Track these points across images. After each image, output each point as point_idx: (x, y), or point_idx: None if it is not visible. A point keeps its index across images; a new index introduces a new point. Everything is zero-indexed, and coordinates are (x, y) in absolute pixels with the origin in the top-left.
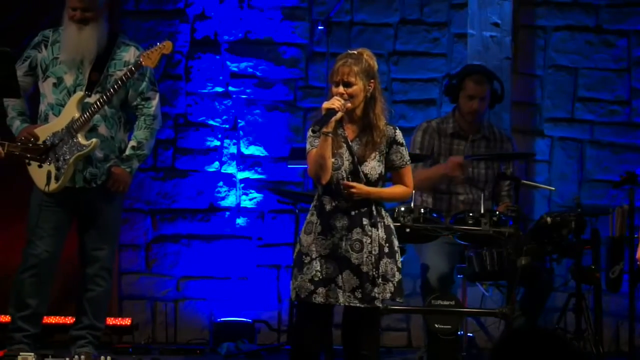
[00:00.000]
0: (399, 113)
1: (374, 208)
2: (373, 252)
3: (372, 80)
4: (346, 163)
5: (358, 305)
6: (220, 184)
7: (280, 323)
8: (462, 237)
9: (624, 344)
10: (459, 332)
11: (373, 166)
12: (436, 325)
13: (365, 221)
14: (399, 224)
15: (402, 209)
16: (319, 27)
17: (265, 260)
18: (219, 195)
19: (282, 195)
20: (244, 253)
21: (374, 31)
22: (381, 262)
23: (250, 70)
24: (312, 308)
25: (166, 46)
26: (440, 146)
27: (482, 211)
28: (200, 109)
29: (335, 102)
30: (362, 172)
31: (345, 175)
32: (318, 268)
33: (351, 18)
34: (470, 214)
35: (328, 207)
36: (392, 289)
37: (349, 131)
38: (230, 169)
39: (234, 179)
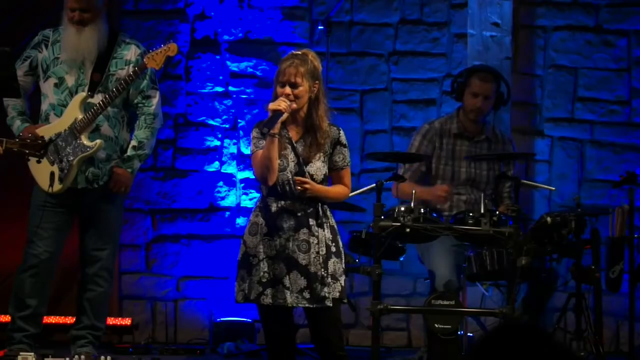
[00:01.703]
0: (399, 113)
1: (320, 208)
2: (320, 252)
3: (316, 82)
4: (291, 164)
5: (307, 305)
6: (220, 183)
7: None
8: (462, 237)
9: (624, 344)
10: (459, 332)
11: (318, 167)
12: (436, 325)
13: (311, 222)
14: (398, 223)
15: (402, 209)
16: (319, 27)
17: None
18: (219, 195)
19: None
20: None
21: (373, 31)
22: (329, 261)
23: (250, 70)
24: (268, 309)
25: (171, 48)
26: (443, 146)
27: (482, 211)
28: (200, 109)
29: (281, 103)
30: (308, 172)
31: (290, 177)
32: (266, 269)
33: (351, 18)
34: (470, 214)
35: (274, 208)
36: (340, 288)
37: (293, 132)
38: (230, 168)
39: (234, 178)
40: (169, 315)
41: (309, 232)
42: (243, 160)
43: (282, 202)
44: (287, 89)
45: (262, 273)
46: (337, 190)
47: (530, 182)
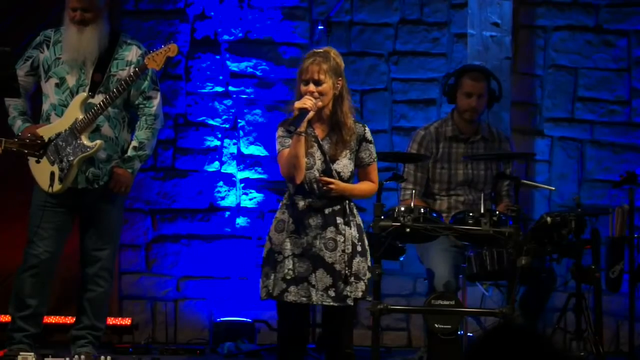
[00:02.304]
0: (399, 113)
1: (347, 207)
2: (346, 250)
3: (339, 79)
4: (318, 162)
5: (332, 304)
6: (220, 183)
7: None
8: (462, 237)
9: (624, 344)
10: (459, 332)
11: (345, 164)
12: (436, 325)
13: (339, 220)
14: (398, 223)
15: (402, 209)
16: (319, 27)
17: None
18: (219, 195)
19: (282, 195)
20: (244, 253)
21: (374, 31)
22: (354, 260)
23: (250, 70)
24: (288, 306)
25: (171, 49)
26: (439, 150)
27: (482, 211)
28: (200, 109)
29: (307, 102)
30: (335, 170)
31: (318, 174)
32: (290, 266)
33: (351, 18)
34: (470, 214)
35: (301, 205)
36: (364, 287)
37: (318, 130)
38: (230, 168)
39: (234, 178)
40: (169, 315)
41: (336, 230)
42: (243, 160)
43: (309, 200)
44: (311, 87)
45: (286, 270)
46: (364, 187)
47: (530, 182)
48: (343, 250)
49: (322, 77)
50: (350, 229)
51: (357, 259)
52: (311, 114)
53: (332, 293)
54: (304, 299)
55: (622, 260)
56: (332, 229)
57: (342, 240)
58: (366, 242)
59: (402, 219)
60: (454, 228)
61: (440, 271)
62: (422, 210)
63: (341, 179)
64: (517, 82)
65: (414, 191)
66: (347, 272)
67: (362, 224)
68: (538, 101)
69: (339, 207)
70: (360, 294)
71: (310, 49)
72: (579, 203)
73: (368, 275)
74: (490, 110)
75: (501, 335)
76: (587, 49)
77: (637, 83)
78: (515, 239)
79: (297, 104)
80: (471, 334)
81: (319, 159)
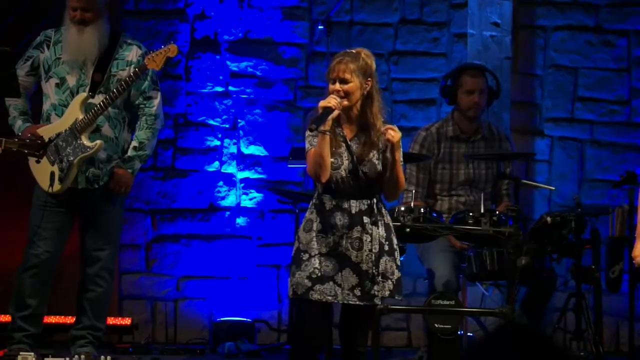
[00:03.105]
0: (399, 113)
1: (375, 206)
2: (373, 250)
3: (369, 79)
4: (346, 162)
5: (357, 303)
6: (220, 183)
7: (280, 323)
8: (462, 237)
9: (624, 344)
10: (459, 332)
11: (373, 165)
12: (436, 325)
13: (365, 219)
14: (398, 223)
15: (402, 208)
16: (319, 27)
17: (265, 260)
18: (219, 195)
19: (282, 195)
20: (244, 253)
21: (374, 31)
22: (381, 260)
23: (250, 70)
24: (311, 305)
25: (171, 49)
26: (440, 151)
27: (482, 211)
28: (200, 109)
29: (331, 101)
30: (361, 171)
31: (345, 175)
32: (317, 265)
33: (351, 18)
34: (470, 214)
35: (328, 205)
36: (391, 286)
37: (347, 131)
38: (230, 168)
39: (234, 178)
40: (169, 315)
41: (363, 230)
42: (243, 160)
43: (337, 200)
44: (337, 85)
45: (312, 269)
46: (403, 177)
47: (530, 182)
48: (370, 250)
49: (348, 76)
50: (378, 228)
51: (385, 258)
52: (335, 112)
53: (357, 292)
54: (330, 297)
55: (622, 260)
56: (358, 228)
57: (368, 239)
58: (395, 241)
59: (402, 219)
60: (454, 228)
61: (440, 271)
62: (422, 210)
63: (368, 180)
64: (517, 82)
65: (417, 193)
66: (374, 271)
67: (390, 223)
68: (538, 101)
69: (366, 207)
70: (387, 293)
71: (310, 49)
72: (579, 203)
73: (397, 274)
74: (490, 110)
75: (505, 335)
76: (587, 49)
77: (637, 83)
78: (515, 239)
79: (322, 103)
80: (471, 334)
81: (347, 159)
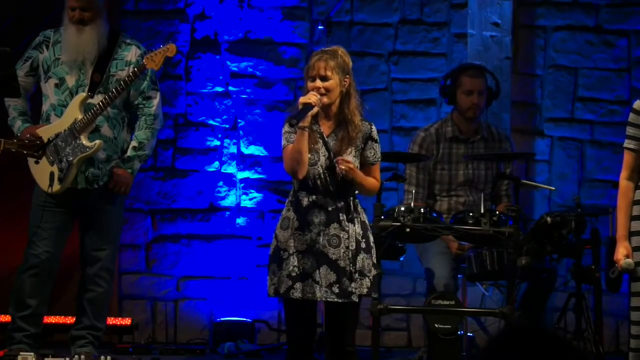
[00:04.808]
0: (399, 113)
1: (351, 203)
2: (350, 247)
3: (347, 76)
4: (322, 159)
5: (336, 300)
6: (220, 183)
7: (280, 323)
8: (462, 237)
9: (624, 344)
10: (459, 332)
11: (349, 161)
12: (436, 325)
13: (342, 216)
14: (398, 223)
15: (402, 208)
16: (319, 27)
17: (265, 260)
18: (219, 195)
19: (282, 195)
20: (244, 253)
21: (374, 31)
22: (358, 257)
23: (250, 70)
24: (294, 303)
25: (170, 49)
26: (439, 152)
27: (482, 211)
28: (200, 109)
29: (311, 97)
30: (338, 167)
31: (321, 171)
32: (295, 263)
33: (351, 18)
34: (470, 214)
35: (305, 202)
36: (369, 284)
37: (325, 127)
38: (230, 168)
39: (234, 178)
40: (169, 315)
41: (340, 227)
42: (243, 160)
43: (313, 197)
44: (318, 82)
45: (291, 267)
46: (372, 182)
47: (530, 182)
48: (347, 247)
49: (328, 73)
50: (354, 225)
51: (362, 255)
52: (315, 109)
53: (336, 289)
54: (309, 295)
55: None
56: (335, 225)
57: (345, 237)
58: (371, 238)
59: (402, 219)
60: (454, 228)
61: (439, 272)
62: (422, 210)
63: (345, 176)
64: (517, 82)
65: (417, 194)
66: (351, 268)
67: (367, 221)
68: (538, 101)
69: (342, 203)
70: (365, 290)
71: (310, 49)
72: (579, 203)
73: (374, 271)
74: (490, 111)
75: (513, 336)
76: (587, 49)
77: (637, 83)
78: (515, 239)
79: (302, 99)
80: (471, 334)
81: (324, 155)
